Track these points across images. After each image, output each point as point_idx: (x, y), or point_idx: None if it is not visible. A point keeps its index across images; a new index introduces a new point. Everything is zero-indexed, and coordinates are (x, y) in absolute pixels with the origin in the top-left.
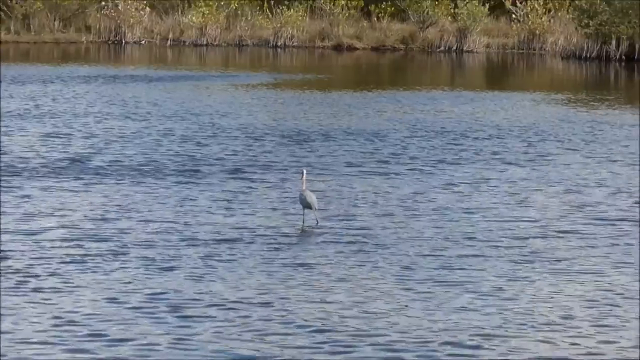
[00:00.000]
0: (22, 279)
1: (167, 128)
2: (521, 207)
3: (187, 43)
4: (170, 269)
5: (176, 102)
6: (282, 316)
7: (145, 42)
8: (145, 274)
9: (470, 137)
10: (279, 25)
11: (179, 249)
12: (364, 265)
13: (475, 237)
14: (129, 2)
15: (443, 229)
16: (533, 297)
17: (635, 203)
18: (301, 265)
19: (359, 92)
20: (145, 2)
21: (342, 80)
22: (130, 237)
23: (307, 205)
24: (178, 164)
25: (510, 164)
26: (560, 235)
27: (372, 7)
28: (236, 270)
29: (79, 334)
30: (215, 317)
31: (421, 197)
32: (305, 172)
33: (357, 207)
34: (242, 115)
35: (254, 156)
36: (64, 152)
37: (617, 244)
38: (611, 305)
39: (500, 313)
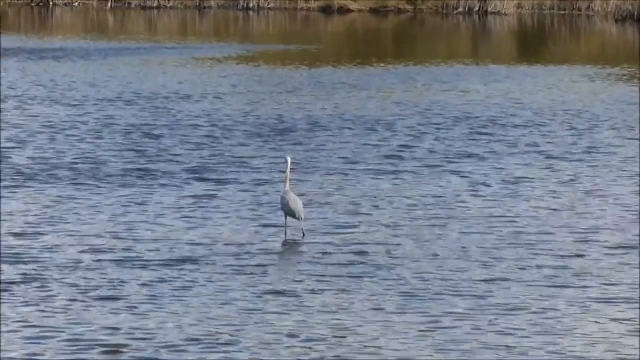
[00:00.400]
0: None
1: (108, 116)
2: (569, 215)
3: (132, 5)
4: (107, 299)
5: (120, 82)
6: None
7: (78, 3)
8: (73, 308)
9: (502, 124)
10: None
11: (118, 272)
12: (358, 293)
13: (506, 257)
14: None
15: (464, 246)
16: (583, 337)
17: None
18: (279, 293)
19: (356, 68)
20: None
21: (334, 52)
22: (56, 257)
23: (290, 213)
24: (122, 162)
25: (553, 158)
26: (620, 253)
27: None
28: (193, 301)
29: None
30: None
31: (438, 203)
32: (289, 160)
33: (355, 215)
34: (206, 99)
35: (221, 152)
36: None
37: None
38: None
39: None
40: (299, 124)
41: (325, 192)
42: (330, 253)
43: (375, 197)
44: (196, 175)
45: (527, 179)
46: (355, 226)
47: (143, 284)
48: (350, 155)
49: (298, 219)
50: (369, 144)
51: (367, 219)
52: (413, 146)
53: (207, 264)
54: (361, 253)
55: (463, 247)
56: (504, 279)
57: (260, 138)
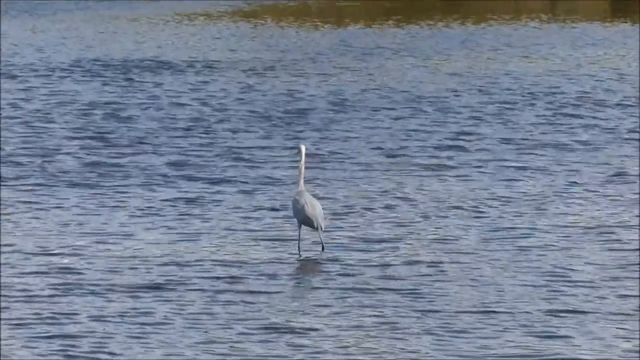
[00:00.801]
0: None
1: (61, 92)
2: None
3: None
4: (53, 337)
5: (77, 46)
6: None
7: None
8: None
9: (594, 102)
10: None
11: (66, 303)
12: (385, 325)
13: (581, 285)
14: None
15: (527, 267)
16: None
17: None
18: (287, 331)
19: (395, 27)
20: None
21: (366, 7)
22: None
23: (306, 221)
24: (81, 154)
25: None
26: None
27: None
28: (168, 339)
29: None
30: None
31: (507, 211)
32: (304, 150)
33: (392, 226)
34: (193, 68)
35: (213, 140)
36: None
37: None
38: None
39: None
40: (319, 103)
41: (352, 194)
42: (356, 275)
43: (419, 202)
44: (180, 172)
45: (630, 176)
46: (391, 240)
47: (98, 318)
48: (388, 146)
49: (316, 229)
50: (413, 130)
51: (407, 231)
52: (473, 133)
53: (191, 290)
54: (398, 279)
55: (526, 270)
56: (577, 311)
57: (266, 122)
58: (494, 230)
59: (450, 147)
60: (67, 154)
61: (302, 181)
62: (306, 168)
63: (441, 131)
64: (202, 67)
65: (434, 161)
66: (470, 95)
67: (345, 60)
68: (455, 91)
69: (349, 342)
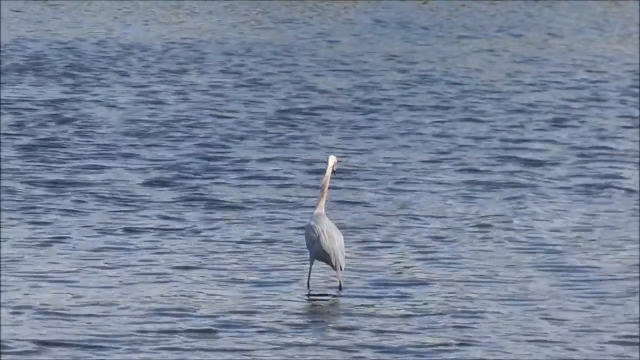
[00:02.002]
0: None
1: (15, 82)
2: None
3: None
4: None
5: (20, 22)
6: None
7: None
8: None
9: None
10: None
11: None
12: None
13: None
14: None
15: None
16: None
17: None
18: None
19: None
20: None
21: None
22: None
23: (321, 255)
24: (24, 165)
25: None
26: None
27: None
28: None
29: None
30: None
31: (591, 244)
32: (333, 162)
33: (430, 264)
34: (172, 49)
35: (201, 149)
36: None
37: None
38: None
39: None
40: (342, 99)
41: (385, 220)
42: (377, 332)
43: (469, 230)
44: (159, 188)
45: None
46: (430, 282)
47: None
48: (435, 156)
49: (334, 267)
50: (472, 136)
51: (452, 272)
52: (550, 141)
53: (166, 338)
54: (428, 328)
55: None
56: None
57: (271, 124)
58: (564, 272)
59: (517, 160)
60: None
61: (323, 200)
62: (329, 182)
63: (507, 137)
64: (183, 48)
65: (497, 178)
66: (554, 88)
67: (382, 41)
68: (516, 78)
69: None
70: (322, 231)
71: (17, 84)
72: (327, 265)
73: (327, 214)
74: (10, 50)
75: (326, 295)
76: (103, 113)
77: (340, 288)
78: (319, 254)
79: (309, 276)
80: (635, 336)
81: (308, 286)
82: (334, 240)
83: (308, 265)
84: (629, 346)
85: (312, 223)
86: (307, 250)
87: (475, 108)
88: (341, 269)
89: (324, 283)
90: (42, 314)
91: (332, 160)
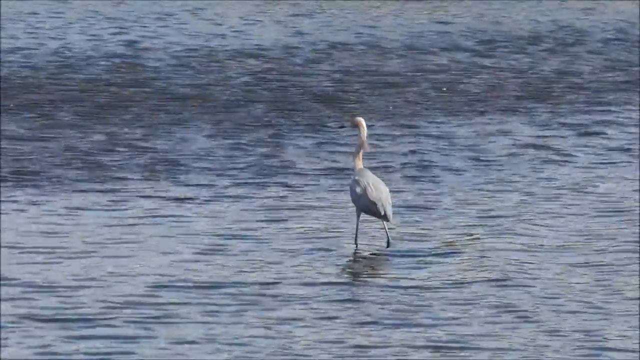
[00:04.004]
0: None
1: None
2: None
3: None
4: None
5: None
6: None
7: None
8: None
9: None
10: None
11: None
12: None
13: None
14: None
15: None
16: None
17: None
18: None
19: None
20: None
21: None
22: None
23: (368, 207)
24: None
25: None
26: None
27: None
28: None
29: None
30: None
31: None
32: (364, 124)
33: (491, 214)
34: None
35: (188, 144)
36: None
37: None
38: None
39: None
40: (361, 79)
41: (432, 174)
42: (442, 273)
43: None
44: (151, 173)
45: None
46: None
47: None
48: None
49: (382, 217)
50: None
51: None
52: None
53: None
54: (500, 285)
55: None
56: None
57: (270, 108)
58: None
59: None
60: None
61: (361, 157)
62: (366, 143)
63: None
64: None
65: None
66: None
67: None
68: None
69: None
70: (368, 183)
71: None
72: (376, 218)
73: (367, 167)
74: None
75: (374, 248)
76: None
77: (388, 243)
78: (366, 206)
79: (357, 232)
80: None
81: (355, 239)
82: (380, 191)
83: (355, 221)
84: None
85: (356, 177)
86: (354, 205)
87: None
88: (389, 218)
89: (372, 238)
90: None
91: (363, 123)
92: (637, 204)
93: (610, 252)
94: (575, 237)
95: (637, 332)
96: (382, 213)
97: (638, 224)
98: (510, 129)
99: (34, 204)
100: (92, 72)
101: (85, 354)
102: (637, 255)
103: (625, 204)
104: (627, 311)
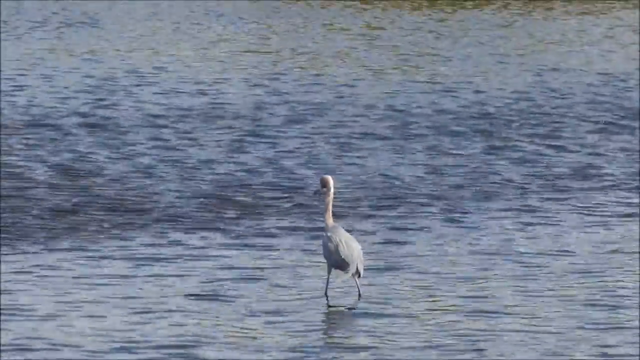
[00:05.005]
0: None
1: None
2: None
3: None
4: None
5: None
6: None
7: None
8: None
9: None
10: None
11: None
12: None
13: None
14: None
15: None
16: None
17: None
18: None
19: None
20: None
21: None
22: None
23: (338, 263)
24: None
25: None
26: None
27: None
28: None
29: None
30: None
31: None
32: (331, 182)
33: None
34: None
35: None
36: None
37: None
38: None
39: None
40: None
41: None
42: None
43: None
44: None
45: None
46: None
47: None
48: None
49: (352, 275)
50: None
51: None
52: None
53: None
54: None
55: None
56: None
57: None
58: None
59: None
60: None
61: (329, 214)
62: (331, 199)
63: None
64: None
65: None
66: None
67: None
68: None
69: None
70: (340, 241)
71: None
72: (346, 274)
73: (338, 224)
74: None
75: (343, 302)
76: None
77: (359, 296)
78: (337, 262)
79: (327, 285)
80: None
81: (326, 294)
82: (351, 247)
83: (325, 275)
84: None
85: (328, 234)
86: (326, 261)
87: None
88: (360, 275)
89: (341, 292)
90: None
91: (330, 181)
92: None
93: None
94: None
95: None
96: (350, 270)
97: None
98: None
99: None
100: None
101: None
102: None
103: None
104: None
